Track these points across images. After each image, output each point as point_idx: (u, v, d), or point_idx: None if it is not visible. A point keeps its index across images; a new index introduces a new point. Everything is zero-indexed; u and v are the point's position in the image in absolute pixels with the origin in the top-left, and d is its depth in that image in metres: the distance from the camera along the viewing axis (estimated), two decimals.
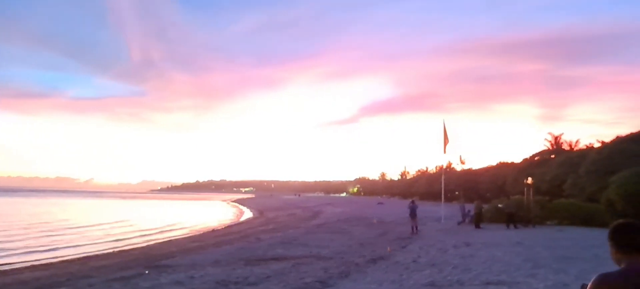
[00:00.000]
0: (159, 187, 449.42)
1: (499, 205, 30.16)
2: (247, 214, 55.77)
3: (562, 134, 59.64)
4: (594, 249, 15.43)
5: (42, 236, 26.66)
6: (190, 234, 28.48)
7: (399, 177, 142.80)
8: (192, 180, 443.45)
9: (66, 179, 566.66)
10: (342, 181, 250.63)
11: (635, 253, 2.36)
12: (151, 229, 32.13)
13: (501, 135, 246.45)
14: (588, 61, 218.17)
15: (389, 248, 16.52)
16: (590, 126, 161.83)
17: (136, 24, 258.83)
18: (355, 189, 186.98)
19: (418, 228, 23.60)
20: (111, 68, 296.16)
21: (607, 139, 40.25)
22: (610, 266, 2.44)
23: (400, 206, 52.69)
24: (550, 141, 59.09)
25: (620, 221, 2.51)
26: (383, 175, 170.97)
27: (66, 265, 15.39)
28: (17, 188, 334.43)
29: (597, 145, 44.24)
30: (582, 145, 54.76)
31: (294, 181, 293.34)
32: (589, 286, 2.42)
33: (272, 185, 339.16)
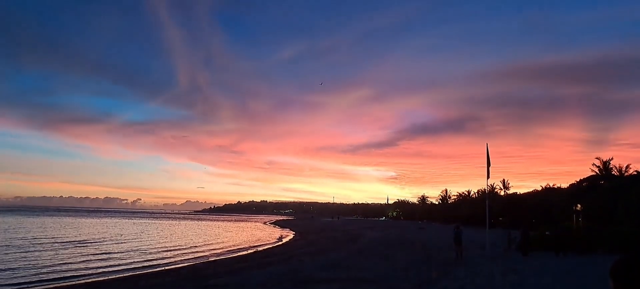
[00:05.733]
0: (202, 208, 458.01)
1: (547, 233, 29.32)
2: (288, 236, 56.23)
3: (612, 159, 57.43)
4: None
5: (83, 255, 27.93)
6: (235, 255, 29.08)
7: (440, 201, 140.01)
8: (234, 201, 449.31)
9: (114, 199, 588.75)
10: (380, 204, 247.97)
11: None
12: (195, 249, 33.09)
13: (546, 159, 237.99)
14: (635, 84, 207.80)
15: (434, 273, 16.44)
16: None
17: (185, 52, 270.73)
18: (395, 213, 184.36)
19: (463, 254, 23.26)
20: (161, 94, 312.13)
21: None
22: None
23: (442, 231, 51.84)
24: (598, 166, 56.96)
25: (630, 256, 1.90)
26: (423, 198, 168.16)
27: (119, 283, 16.10)
28: (69, 207, 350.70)
29: None
30: (632, 170, 52.42)
31: (333, 203, 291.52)
32: None
33: (311, 207, 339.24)
